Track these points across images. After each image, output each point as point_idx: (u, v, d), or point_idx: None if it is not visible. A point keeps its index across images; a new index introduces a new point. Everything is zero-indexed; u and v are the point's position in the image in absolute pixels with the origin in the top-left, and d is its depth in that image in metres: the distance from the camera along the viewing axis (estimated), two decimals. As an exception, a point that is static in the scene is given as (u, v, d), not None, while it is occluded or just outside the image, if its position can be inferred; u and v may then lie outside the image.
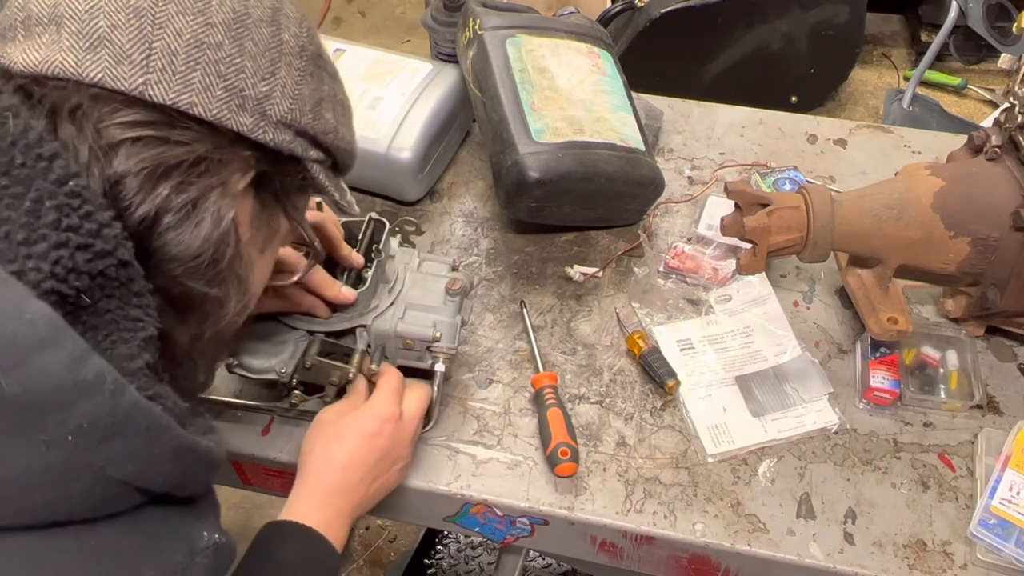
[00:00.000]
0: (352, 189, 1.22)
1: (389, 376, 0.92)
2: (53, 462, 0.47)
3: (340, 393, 0.93)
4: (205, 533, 0.57)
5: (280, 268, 0.90)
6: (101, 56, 0.55)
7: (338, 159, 0.72)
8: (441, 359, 0.94)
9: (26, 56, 0.55)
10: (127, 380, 0.50)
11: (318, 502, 0.81)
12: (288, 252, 0.88)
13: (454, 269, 1.00)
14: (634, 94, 1.24)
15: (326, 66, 0.69)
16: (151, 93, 0.55)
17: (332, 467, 0.84)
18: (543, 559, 1.78)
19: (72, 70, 0.55)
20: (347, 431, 0.85)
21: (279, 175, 0.65)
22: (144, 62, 0.55)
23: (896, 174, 1.01)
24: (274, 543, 0.78)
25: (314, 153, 0.67)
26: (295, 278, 0.82)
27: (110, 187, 0.53)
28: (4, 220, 0.48)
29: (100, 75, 0.55)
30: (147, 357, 0.54)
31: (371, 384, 0.93)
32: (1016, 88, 0.97)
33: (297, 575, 0.77)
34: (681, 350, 1.06)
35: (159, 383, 0.55)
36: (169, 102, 0.56)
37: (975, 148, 1.00)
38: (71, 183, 0.50)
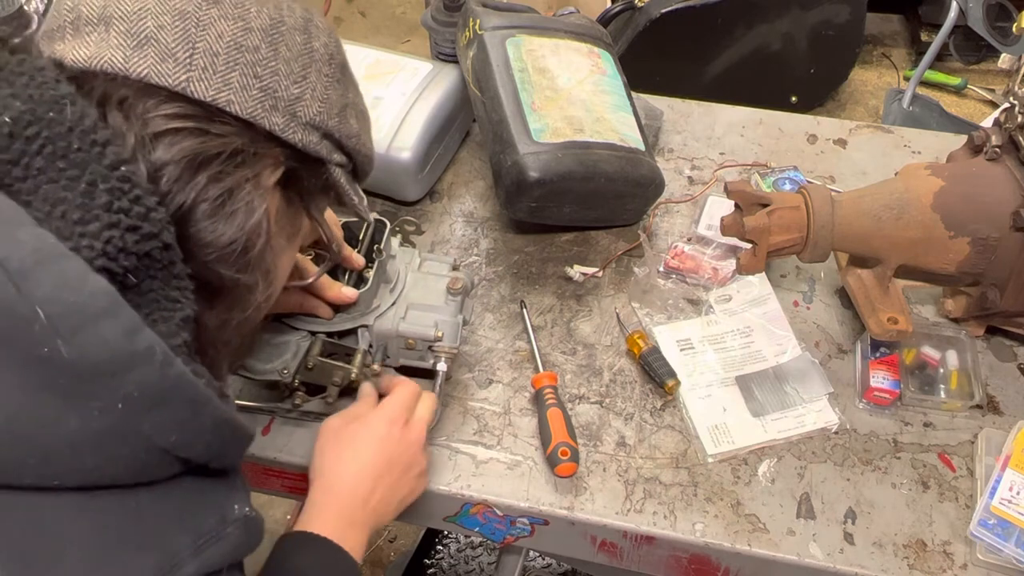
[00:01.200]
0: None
1: (406, 385, 0.90)
2: (103, 428, 0.50)
3: (342, 393, 0.93)
4: (236, 506, 0.59)
5: (293, 271, 0.91)
6: (147, 54, 0.59)
7: (358, 164, 0.75)
8: (443, 358, 0.94)
9: (76, 53, 0.59)
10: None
11: (332, 512, 0.81)
12: (297, 256, 0.88)
13: (455, 269, 1.00)
14: (634, 94, 1.24)
15: (350, 76, 0.73)
16: (193, 89, 0.59)
17: (343, 474, 0.83)
18: (543, 559, 1.78)
19: (120, 65, 0.58)
20: (355, 437, 0.85)
21: (304, 175, 0.69)
22: (188, 61, 0.59)
23: (896, 174, 1.01)
24: (291, 554, 0.78)
25: (337, 156, 0.71)
26: (312, 278, 0.85)
27: (153, 175, 0.56)
28: (61, 200, 0.51)
29: (146, 71, 0.58)
30: (185, 336, 0.57)
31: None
32: (1016, 88, 0.97)
33: None
34: (681, 350, 1.06)
35: (196, 362, 0.57)
36: (209, 99, 0.60)
37: (975, 148, 1.00)
38: (123, 168, 0.54)
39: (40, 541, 0.50)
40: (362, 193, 0.78)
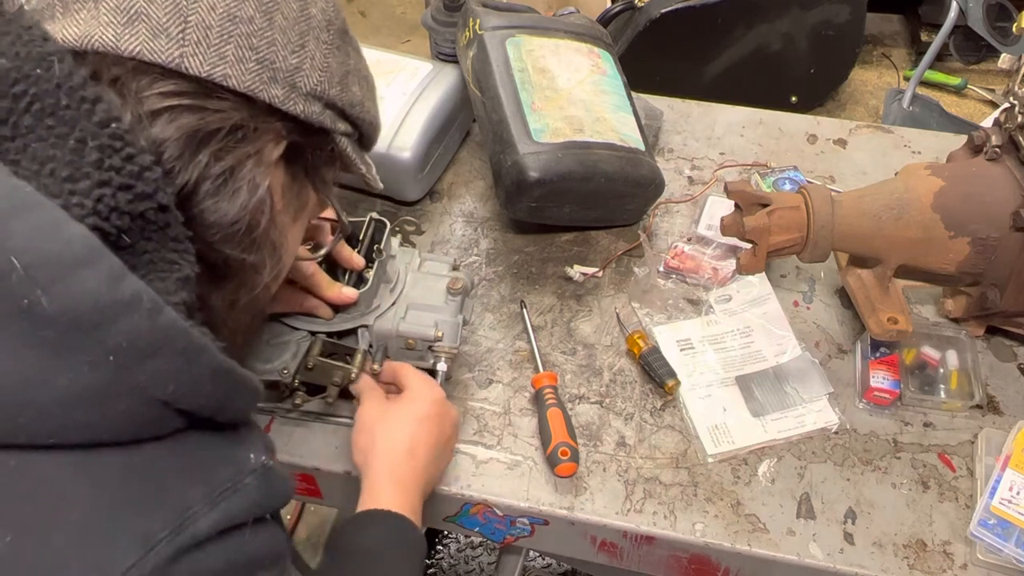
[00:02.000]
0: (352, 189, 1.24)
1: (408, 367, 0.92)
2: (96, 383, 0.48)
3: (343, 394, 0.93)
4: (252, 455, 0.57)
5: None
6: (138, 30, 0.57)
7: (364, 132, 0.74)
8: (443, 358, 0.94)
9: (65, 32, 0.57)
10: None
11: (396, 490, 0.82)
12: None
13: (455, 269, 1.00)
14: (634, 94, 1.24)
15: (351, 41, 0.71)
16: (187, 65, 0.57)
17: (399, 456, 0.84)
18: (543, 559, 1.78)
19: (111, 44, 0.56)
20: (402, 420, 0.86)
21: (309, 147, 0.67)
22: (180, 36, 0.57)
23: (896, 174, 1.01)
24: (362, 528, 0.79)
25: (342, 126, 0.69)
26: (323, 251, 0.84)
27: (153, 153, 0.55)
28: (50, 158, 0.50)
29: (138, 48, 0.57)
30: (184, 295, 0.55)
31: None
32: (1016, 88, 0.97)
33: (388, 557, 0.78)
34: (681, 350, 1.06)
35: (198, 322, 0.56)
36: (204, 74, 0.58)
37: (975, 148, 1.00)
38: (113, 125, 0.52)
39: (38, 502, 0.48)
40: (369, 161, 0.77)
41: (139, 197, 0.52)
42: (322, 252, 0.85)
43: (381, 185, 0.79)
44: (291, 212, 0.69)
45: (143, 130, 0.55)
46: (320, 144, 0.69)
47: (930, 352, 1.05)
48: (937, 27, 2.48)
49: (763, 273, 1.12)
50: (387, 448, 0.85)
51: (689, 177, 1.28)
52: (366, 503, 0.81)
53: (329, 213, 0.89)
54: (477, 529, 0.99)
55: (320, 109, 0.66)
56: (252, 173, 0.60)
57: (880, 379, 1.01)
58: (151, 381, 0.50)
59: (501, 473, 0.96)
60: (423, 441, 0.86)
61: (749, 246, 0.95)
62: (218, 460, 0.55)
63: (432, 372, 0.95)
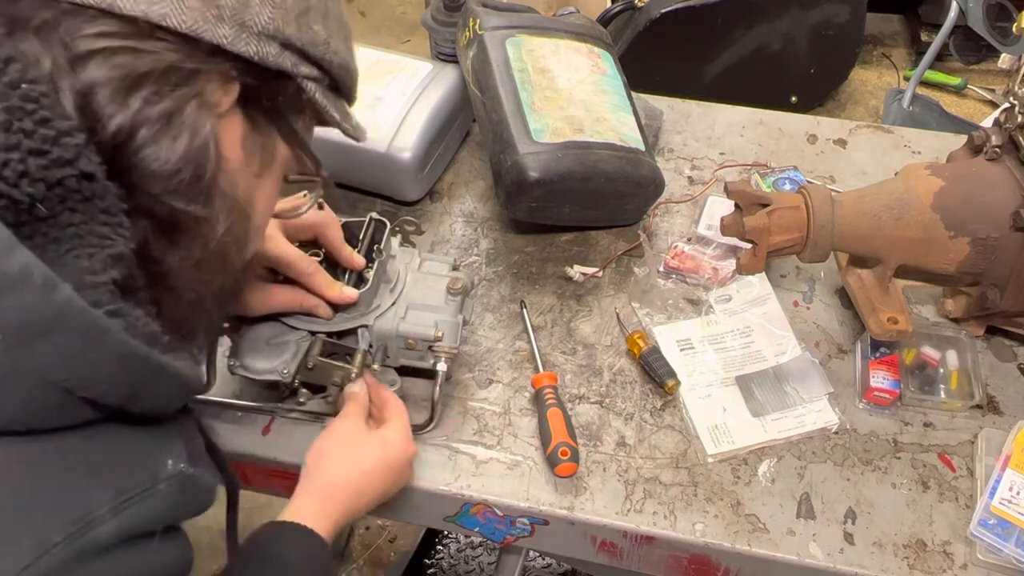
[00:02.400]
0: (352, 189, 1.24)
1: (400, 408, 0.91)
2: None
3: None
4: (170, 460, 0.54)
5: (285, 260, 0.88)
6: None
7: (335, 77, 0.67)
8: (443, 358, 0.94)
9: None
10: (88, 292, 0.48)
11: (324, 513, 0.81)
12: (293, 252, 0.88)
13: (455, 269, 1.00)
14: (634, 94, 1.24)
15: None
16: (122, 5, 0.53)
17: (346, 486, 0.84)
18: (543, 559, 1.78)
19: None
20: (369, 457, 0.86)
21: (269, 93, 0.62)
22: None
23: (896, 174, 1.01)
24: (278, 542, 0.78)
25: (306, 69, 0.63)
26: (304, 209, 0.78)
27: (82, 100, 0.51)
28: None
29: None
30: (114, 274, 0.52)
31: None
32: (1016, 88, 0.98)
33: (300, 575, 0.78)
34: (681, 350, 1.06)
35: (131, 305, 0.53)
36: (140, 14, 0.53)
37: (975, 148, 1.00)
38: (24, 86, 0.48)
39: None
40: (348, 111, 0.70)
41: (55, 163, 0.48)
42: (303, 210, 0.78)
43: (366, 135, 0.72)
44: (255, 165, 0.64)
45: (68, 77, 0.50)
46: (282, 89, 0.62)
47: (930, 352, 1.05)
48: (937, 27, 2.48)
49: (763, 273, 1.12)
50: (340, 473, 0.84)
51: (689, 177, 1.28)
52: (294, 512, 0.81)
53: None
54: (477, 529, 0.99)
55: (277, 50, 0.59)
56: (193, 117, 0.55)
57: (880, 379, 1.01)
58: (46, 364, 0.47)
59: (501, 473, 0.96)
60: (376, 487, 0.85)
61: (749, 246, 0.95)
62: (131, 461, 0.52)
63: (432, 372, 0.95)
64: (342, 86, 0.68)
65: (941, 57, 2.73)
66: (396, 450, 0.87)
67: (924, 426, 1.01)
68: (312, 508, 0.81)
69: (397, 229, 1.21)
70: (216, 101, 0.57)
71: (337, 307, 0.92)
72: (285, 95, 0.63)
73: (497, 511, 0.95)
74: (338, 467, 0.85)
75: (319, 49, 0.62)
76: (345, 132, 0.70)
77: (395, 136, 1.17)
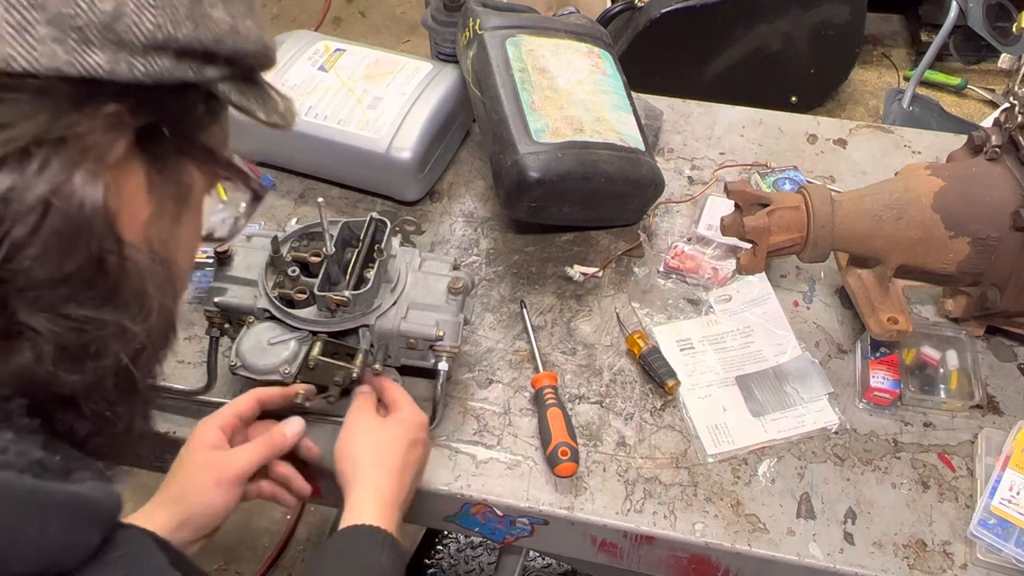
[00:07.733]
0: (352, 189, 1.24)
1: (399, 388, 0.93)
2: None
3: (344, 393, 0.93)
4: None
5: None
6: None
7: (246, 65, 0.49)
8: (444, 358, 0.94)
9: None
10: None
11: (384, 509, 0.82)
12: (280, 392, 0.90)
13: (455, 268, 1.00)
14: (634, 94, 1.24)
15: None
16: None
17: (388, 476, 0.85)
18: (543, 559, 1.78)
19: None
20: (395, 440, 0.87)
21: (171, 117, 0.46)
22: None
23: (896, 174, 1.01)
24: (369, 550, 0.79)
25: (212, 71, 0.46)
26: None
27: None
28: None
29: None
30: None
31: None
32: (1016, 88, 0.98)
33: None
34: (681, 350, 1.06)
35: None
36: None
37: (975, 148, 1.00)
38: None
39: None
40: (270, 94, 0.53)
41: None
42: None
43: (294, 119, 0.55)
44: (170, 208, 0.49)
45: None
46: (186, 108, 0.47)
47: (930, 352, 1.05)
48: (937, 27, 2.47)
49: (763, 273, 1.12)
50: (379, 465, 0.85)
51: (689, 177, 1.28)
52: (353, 518, 0.81)
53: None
54: (477, 529, 0.99)
55: (171, 62, 0.43)
56: (80, 194, 0.40)
57: (880, 379, 1.01)
58: None
59: (501, 473, 0.96)
60: (411, 464, 0.87)
61: (749, 246, 0.95)
62: None
63: (433, 372, 0.95)
64: (258, 70, 0.52)
65: (941, 57, 2.72)
66: (414, 425, 0.89)
67: (924, 426, 1.01)
68: (371, 509, 0.82)
69: (397, 229, 1.20)
70: (102, 157, 0.42)
71: (334, 312, 0.92)
72: (192, 112, 0.48)
73: (497, 511, 0.95)
74: (375, 461, 0.85)
75: (225, 43, 0.46)
76: (272, 125, 0.53)
77: (395, 136, 1.17)
